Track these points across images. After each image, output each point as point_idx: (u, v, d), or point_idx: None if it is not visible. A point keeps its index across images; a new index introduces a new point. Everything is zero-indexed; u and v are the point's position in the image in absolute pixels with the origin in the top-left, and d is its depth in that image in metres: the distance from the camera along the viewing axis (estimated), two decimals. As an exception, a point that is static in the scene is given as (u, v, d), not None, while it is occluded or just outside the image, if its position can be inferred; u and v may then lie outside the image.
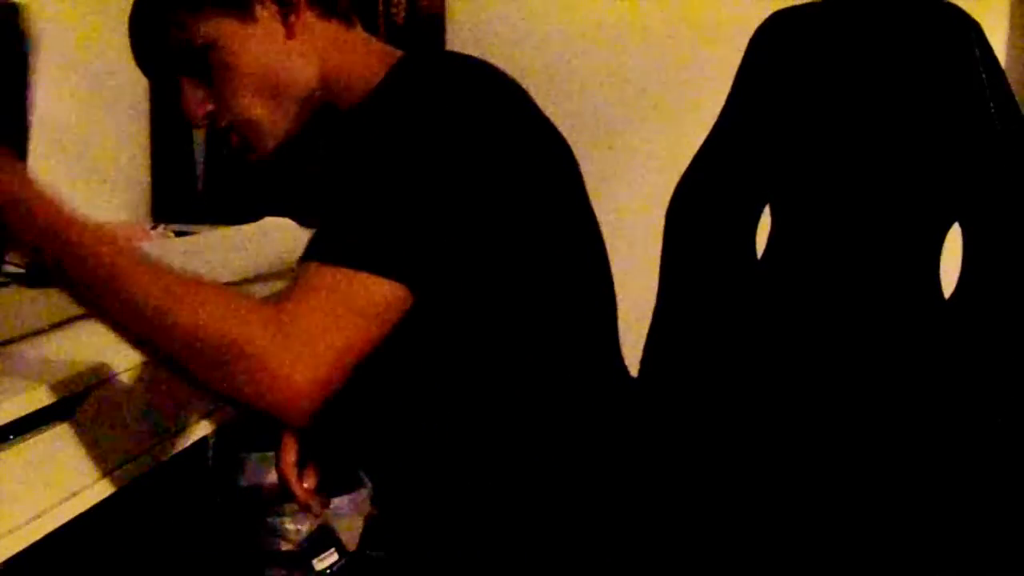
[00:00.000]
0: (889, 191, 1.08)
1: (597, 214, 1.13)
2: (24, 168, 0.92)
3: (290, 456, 1.29)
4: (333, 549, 1.69)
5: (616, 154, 2.25)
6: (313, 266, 0.90)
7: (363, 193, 0.93)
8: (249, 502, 1.67)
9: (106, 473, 1.07)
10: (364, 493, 1.58)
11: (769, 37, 1.16)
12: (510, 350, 1.03)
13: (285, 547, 1.69)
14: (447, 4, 2.28)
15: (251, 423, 1.51)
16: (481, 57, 1.05)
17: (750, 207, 1.17)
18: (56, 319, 1.16)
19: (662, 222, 1.24)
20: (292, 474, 1.29)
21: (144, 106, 1.98)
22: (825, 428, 1.09)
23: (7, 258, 1.03)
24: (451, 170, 0.93)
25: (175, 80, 1.09)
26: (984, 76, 1.01)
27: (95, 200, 1.90)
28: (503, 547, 1.04)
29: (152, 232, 1.74)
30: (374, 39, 1.14)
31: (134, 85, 1.88)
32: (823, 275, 1.11)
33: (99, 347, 1.08)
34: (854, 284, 1.09)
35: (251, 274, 1.47)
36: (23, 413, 0.93)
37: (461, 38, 2.26)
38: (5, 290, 1.29)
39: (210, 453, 1.60)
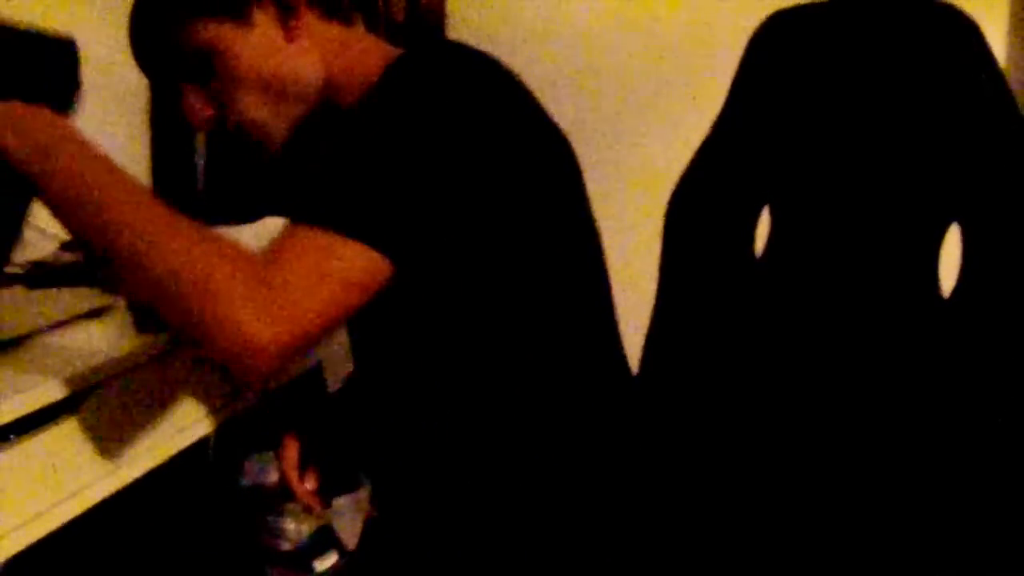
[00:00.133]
0: (888, 191, 1.08)
1: (596, 213, 1.13)
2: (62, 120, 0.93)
3: (292, 456, 1.29)
4: (333, 550, 1.69)
5: (615, 154, 2.25)
6: (300, 227, 0.90)
7: (354, 168, 0.93)
8: (250, 502, 1.67)
9: (106, 473, 1.07)
10: (364, 493, 1.58)
11: (768, 37, 1.16)
12: (504, 344, 1.03)
13: (285, 547, 1.69)
14: (447, 3, 2.28)
15: (252, 423, 1.51)
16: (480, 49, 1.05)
17: (749, 206, 1.17)
18: (56, 319, 1.16)
19: (661, 221, 1.24)
20: (294, 474, 1.29)
21: (144, 106, 1.98)
22: (825, 428, 1.09)
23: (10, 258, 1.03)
24: (443, 157, 0.94)
25: (175, 85, 1.08)
26: (983, 77, 1.01)
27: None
28: (501, 546, 1.04)
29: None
30: (375, 38, 1.13)
31: (134, 85, 1.88)
32: (822, 275, 1.12)
33: (99, 347, 1.08)
34: (854, 284, 1.09)
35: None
36: (23, 413, 0.93)
37: (461, 37, 2.26)
38: (5, 290, 1.29)
39: (210, 453, 1.60)
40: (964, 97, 1.02)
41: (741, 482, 1.13)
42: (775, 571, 1.10)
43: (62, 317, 1.17)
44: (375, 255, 0.90)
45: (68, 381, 0.98)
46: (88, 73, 1.83)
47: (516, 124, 1.01)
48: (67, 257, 1.43)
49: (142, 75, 1.12)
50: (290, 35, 1.05)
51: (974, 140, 1.02)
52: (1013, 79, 2.05)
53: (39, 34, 0.98)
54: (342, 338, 1.22)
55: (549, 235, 1.04)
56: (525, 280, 1.03)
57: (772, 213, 1.16)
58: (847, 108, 1.11)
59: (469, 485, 1.06)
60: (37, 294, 1.30)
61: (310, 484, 1.28)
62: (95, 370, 1.03)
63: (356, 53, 1.09)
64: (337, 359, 1.60)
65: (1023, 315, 1.01)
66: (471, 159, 0.95)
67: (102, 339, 1.13)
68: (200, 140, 2.12)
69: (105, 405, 1.06)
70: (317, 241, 0.89)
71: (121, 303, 1.23)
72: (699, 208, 1.20)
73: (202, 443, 1.25)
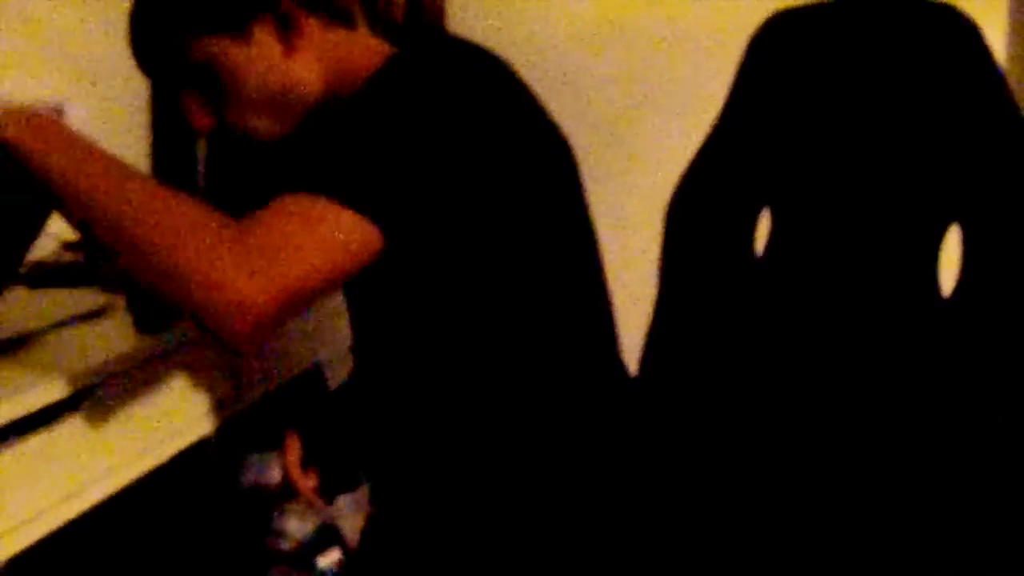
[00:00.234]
0: (888, 191, 1.08)
1: (596, 213, 1.13)
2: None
3: (294, 453, 1.29)
4: (336, 546, 1.69)
5: (615, 153, 2.25)
6: (289, 195, 0.90)
7: (347, 143, 0.94)
8: (251, 502, 1.67)
9: (106, 473, 1.07)
10: (365, 491, 1.58)
11: (767, 38, 1.16)
12: (500, 339, 1.03)
13: (287, 546, 1.69)
14: (447, 3, 2.28)
15: (253, 423, 1.51)
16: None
17: (749, 206, 1.17)
18: (56, 319, 1.16)
19: (661, 221, 1.24)
20: (297, 471, 1.29)
21: (144, 106, 1.98)
22: (825, 428, 1.09)
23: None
24: (436, 138, 0.94)
25: (176, 91, 1.09)
26: (982, 78, 1.01)
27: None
28: (499, 543, 1.04)
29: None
30: (377, 38, 1.13)
31: (134, 85, 1.88)
32: (822, 276, 1.12)
33: (99, 347, 1.08)
34: (854, 284, 1.09)
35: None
36: (23, 413, 0.93)
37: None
38: (5, 290, 1.29)
39: (211, 453, 1.60)
40: (964, 98, 1.02)
41: (741, 481, 1.13)
42: (775, 571, 1.10)
43: (62, 317, 1.17)
44: (364, 222, 0.90)
45: (68, 381, 0.98)
46: (89, 73, 1.83)
47: (508, 114, 1.01)
48: (67, 257, 1.43)
49: (142, 75, 1.13)
50: (289, 48, 1.06)
51: (973, 141, 1.02)
52: (1013, 79, 2.05)
53: None
54: (342, 338, 1.22)
55: (543, 228, 1.04)
56: (520, 273, 1.03)
57: (772, 213, 1.16)
58: (846, 109, 1.11)
59: (466, 483, 1.06)
60: (37, 294, 1.30)
61: (312, 482, 1.28)
62: (95, 370, 1.03)
63: (357, 55, 1.09)
64: (337, 359, 1.60)
65: (1022, 315, 1.01)
66: (463, 143, 0.96)
67: (102, 339, 1.13)
68: (200, 141, 2.12)
69: (105, 405, 1.06)
70: (306, 205, 0.89)
71: (121, 303, 1.23)
72: (699, 208, 1.20)
73: (202, 443, 1.25)
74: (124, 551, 1.47)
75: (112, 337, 1.14)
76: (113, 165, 0.91)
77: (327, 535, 1.69)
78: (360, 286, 1.13)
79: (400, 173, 0.93)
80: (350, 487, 1.35)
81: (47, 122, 0.92)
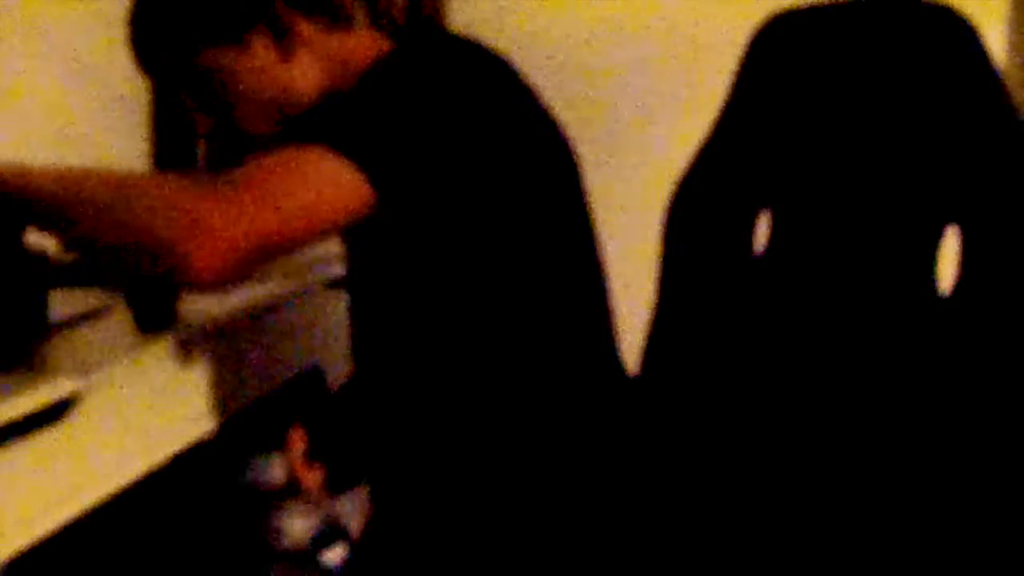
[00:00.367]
0: (886, 192, 1.08)
1: (597, 210, 1.13)
2: None
3: (298, 449, 1.30)
4: (341, 542, 1.69)
5: (614, 153, 2.25)
6: (277, 149, 0.90)
7: (341, 111, 0.94)
8: (253, 501, 1.67)
9: (106, 473, 1.07)
10: (367, 488, 1.58)
11: (766, 38, 1.16)
12: (496, 336, 1.04)
13: (289, 545, 1.69)
14: (446, 3, 2.28)
15: (253, 423, 1.51)
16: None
17: (749, 206, 1.17)
18: (56, 319, 1.16)
19: (660, 220, 1.24)
20: (301, 466, 1.29)
21: (145, 106, 1.98)
22: (824, 428, 1.09)
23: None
24: (433, 122, 0.94)
25: (177, 95, 1.11)
26: (981, 79, 1.01)
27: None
28: (497, 542, 1.04)
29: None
30: (378, 36, 1.14)
31: (135, 85, 1.89)
32: (822, 276, 1.12)
33: (99, 347, 1.09)
34: (852, 284, 1.09)
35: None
36: (24, 413, 0.93)
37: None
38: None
39: (211, 453, 1.60)
40: (962, 100, 1.03)
41: (741, 480, 1.13)
42: (776, 571, 1.10)
43: (62, 317, 1.17)
44: (356, 174, 0.88)
45: (68, 381, 0.98)
46: (89, 72, 1.83)
47: (505, 104, 1.02)
48: (67, 257, 1.43)
49: (143, 76, 1.14)
50: (285, 56, 1.07)
51: (972, 142, 1.02)
52: (1012, 80, 2.05)
53: None
54: (342, 338, 1.22)
55: (541, 222, 1.04)
56: (518, 268, 1.03)
57: (771, 213, 1.16)
58: (845, 109, 1.11)
59: (466, 482, 1.06)
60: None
61: (317, 476, 1.29)
62: (95, 370, 1.03)
63: (357, 55, 1.09)
64: (337, 359, 1.60)
65: (1021, 316, 1.01)
66: (460, 125, 0.96)
67: (102, 339, 1.13)
68: (200, 141, 2.12)
69: (105, 405, 1.06)
70: (297, 152, 0.88)
71: (121, 303, 1.23)
72: (698, 208, 1.20)
73: (202, 443, 1.26)
74: (124, 551, 1.47)
75: (112, 337, 1.14)
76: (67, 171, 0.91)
77: (332, 531, 1.70)
78: (360, 285, 1.13)
79: (397, 138, 0.92)
80: (355, 483, 1.35)
81: None
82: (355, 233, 1.11)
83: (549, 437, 1.05)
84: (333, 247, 1.50)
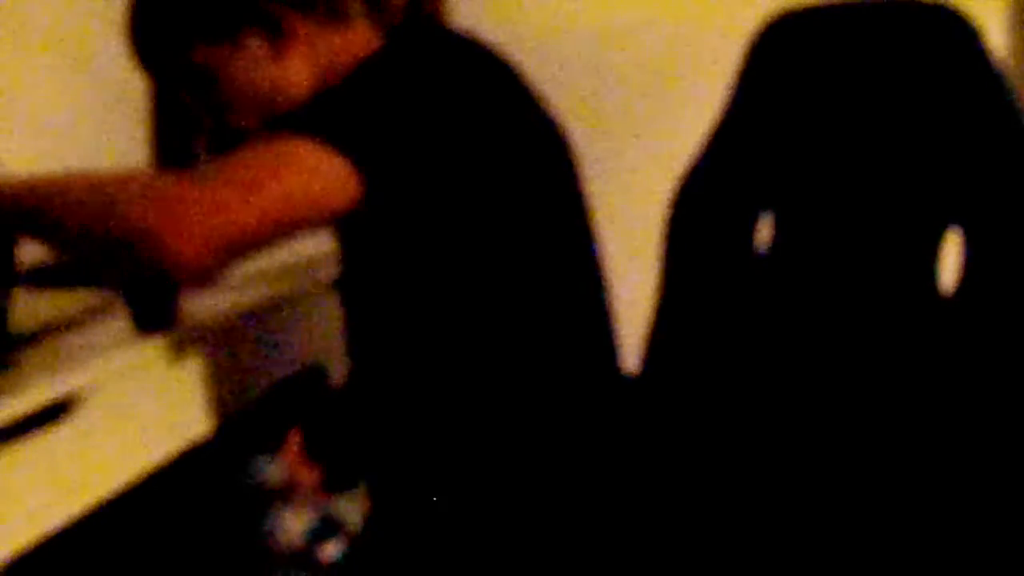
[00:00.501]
0: (888, 192, 1.08)
1: (597, 209, 1.13)
2: None
3: (295, 448, 1.30)
4: (338, 539, 1.69)
5: (614, 153, 2.25)
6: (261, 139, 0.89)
7: (328, 102, 0.93)
8: (252, 502, 1.67)
9: (107, 473, 1.07)
10: (365, 488, 1.58)
11: (768, 38, 1.16)
12: (491, 335, 1.04)
13: (287, 543, 1.68)
14: (446, 3, 2.28)
15: (252, 423, 1.51)
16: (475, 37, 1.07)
17: (750, 207, 1.17)
18: (57, 319, 1.16)
19: (660, 220, 1.24)
20: (298, 464, 1.29)
21: (145, 105, 1.98)
22: (826, 429, 1.09)
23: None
24: (425, 115, 0.94)
25: (176, 93, 1.13)
26: (982, 79, 1.01)
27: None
28: (495, 541, 1.04)
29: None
30: (376, 33, 1.13)
31: (134, 85, 1.89)
32: (823, 277, 1.11)
33: (99, 347, 1.08)
34: (856, 285, 1.09)
35: (252, 269, 1.47)
36: (23, 413, 0.93)
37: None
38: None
39: (211, 453, 1.60)
40: (964, 100, 1.02)
41: (742, 480, 1.13)
42: (776, 571, 1.10)
43: (62, 317, 1.17)
44: (342, 163, 0.87)
45: (68, 381, 0.98)
46: (88, 72, 1.83)
47: (501, 99, 1.02)
48: (63, 259, 1.43)
49: (143, 75, 1.14)
50: (278, 54, 1.08)
51: (974, 143, 1.02)
52: (1013, 80, 2.05)
53: None
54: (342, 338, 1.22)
55: (537, 219, 1.04)
56: (514, 266, 1.03)
57: (773, 214, 1.16)
58: (846, 110, 1.11)
59: (464, 481, 1.06)
60: (37, 294, 1.30)
61: (314, 475, 1.29)
62: (95, 370, 1.03)
63: (352, 51, 1.10)
64: (337, 359, 1.60)
65: (1022, 316, 1.01)
66: (453, 117, 0.96)
67: (102, 339, 1.13)
68: (200, 141, 2.12)
69: (105, 405, 1.06)
70: (276, 142, 0.87)
71: (121, 303, 1.23)
72: (700, 208, 1.20)
73: (202, 443, 1.25)
74: (123, 552, 1.47)
75: (112, 337, 1.14)
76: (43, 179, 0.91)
77: (327, 526, 1.69)
78: (354, 285, 1.13)
79: (384, 126, 0.91)
80: (353, 482, 1.35)
81: None
82: (347, 232, 1.12)
83: (547, 435, 1.05)
84: (333, 247, 1.49)
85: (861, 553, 1.06)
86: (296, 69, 1.08)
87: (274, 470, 1.63)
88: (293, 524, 1.69)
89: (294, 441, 1.30)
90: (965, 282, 1.03)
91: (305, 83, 1.09)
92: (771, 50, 1.16)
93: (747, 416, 1.14)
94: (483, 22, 2.29)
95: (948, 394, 1.04)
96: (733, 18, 2.06)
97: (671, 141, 2.03)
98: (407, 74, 0.96)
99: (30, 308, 1.23)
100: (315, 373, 1.59)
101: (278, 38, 1.07)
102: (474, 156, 0.98)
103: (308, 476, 1.29)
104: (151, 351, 1.13)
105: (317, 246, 1.62)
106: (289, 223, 0.86)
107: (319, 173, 0.87)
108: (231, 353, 1.31)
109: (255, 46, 1.07)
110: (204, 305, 1.28)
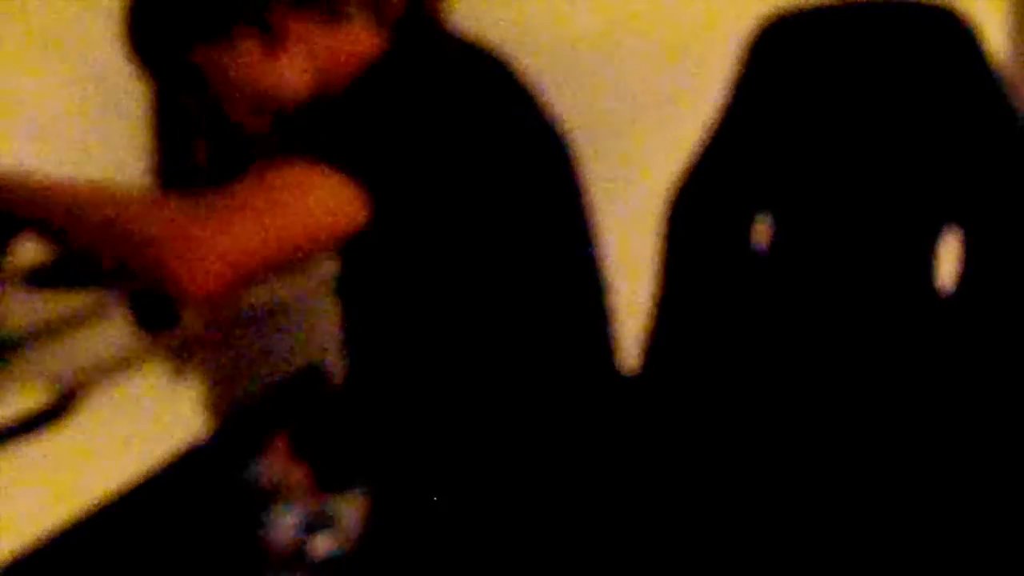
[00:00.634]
0: (887, 192, 1.08)
1: (598, 209, 1.13)
2: None
3: (283, 447, 1.30)
4: (328, 531, 1.68)
5: (613, 153, 2.25)
6: (265, 163, 0.90)
7: (333, 118, 0.94)
8: (252, 502, 1.67)
9: (106, 473, 1.07)
10: (361, 488, 1.58)
11: (766, 39, 1.16)
12: (492, 335, 1.04)
13: (281, 542, 1.68)
14: (446, 3, 2.28)
15: (252, 423, 1.51)
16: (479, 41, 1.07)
17: (748, 207, 1.17)
18: (56, 319, 1.16)
19: (658, 220, 1.24)
20: (285, 462, 1.30)
21: (144, 106, 1.98)
22: (824, 429, 1.09)
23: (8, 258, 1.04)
24: (429, 123, 0.94)
25: (176, 93, 1.13)
26: (981, 80, 1.01)
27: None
28: (495, 541, 1.04)
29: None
30: (376, 32, 1.13)
31: (134, 85, 1.88)
32: (823, 278, 1.12)
33: (99, 347, 1.09)
34: (855, 286, 1.09)
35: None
36: (23, 414, 0.93)
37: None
38: (6, 290, 1.29)
39: (210, 453, 1.60)
40: (962, 101, 1.03)
41: (741, 479, 1.13)
42: (776, 570, 1.10)
43: (62, 317, 1.17)
44: (349, 185, 0.88)
45: (67, 381, 0.98)
46: (88, 72, 1.83)
47: (503, 104, 1.03)
48: (66, 257, 1.43)
49: (140, 76, 1.14)
50: (272, 53, 1.08)
51: (972, 143, 1.02)
52: (1012, 80, 2.05)
53: None
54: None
55: (537, 221, 1.04)
56: (514, 268, 1.03)
57: (772, 215, 1.16)
58: (844, 110, 1.11)
59: (463, 481, 1.06)
60: (37, 294, 1.30)
61: (301, 475, 1.29)
62: (95, 370, 1.03)
63: (351, 51, 1.09)
64: (337, 359, 1.60)
65: (1022, 317, 1.01)
66: (456, 124, 0.96)
67: (102, 339, 1.13)
68: (200, 141, 2.12)
69: (104, 405, 1.06)
70: (284, 166, 0.88)
71: (121, 303, 1.23)
72: (698, 208, 1.20)
73: (202, 443, 1.26)
74: (122, 552, 1.47)
75: (112, 337, 1.14)
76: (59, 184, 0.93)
77: (320, 524, 1.69)
78: (353, 288, 1.13)
79: (390, 144, 0.92)
80: (346, 483, 1.35)
81: None
82: (348, 242, 1.12)
83: (547, 435, 1.05)
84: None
85: (860, 552, 1.06)
86: (293, 68, 1.08)
87: (268, 471, 1.63)
88: (287, 524, 1.69)
89: (281, 442, 1.30)
90: (964, 282, 1.03)
91: (303, 83, 1.09)
92: (769, 50, 1.16)
93: (746, 416, 1.14)
94: (483, 21, 2.29)
95: (947, 394, 1.04)
96: (734, 18, 2.06)
97: (671, 141, 2.02)
98: (410, 85, 0.96)
99: (30, 308, 1.23)
100: (314, 373, 1.59)
101: (273, 37, 1.07)
102: (478, 167, 0.98)
103: (297, 476, 1.29)
104: (151, 351, 1.13)
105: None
106: (295, 250, 0.89)
107: (327, 200, 0.88)
108: (231, 353, 1.31)
109: (249, 45, 1.07)
110: (204, 305, 1.28)
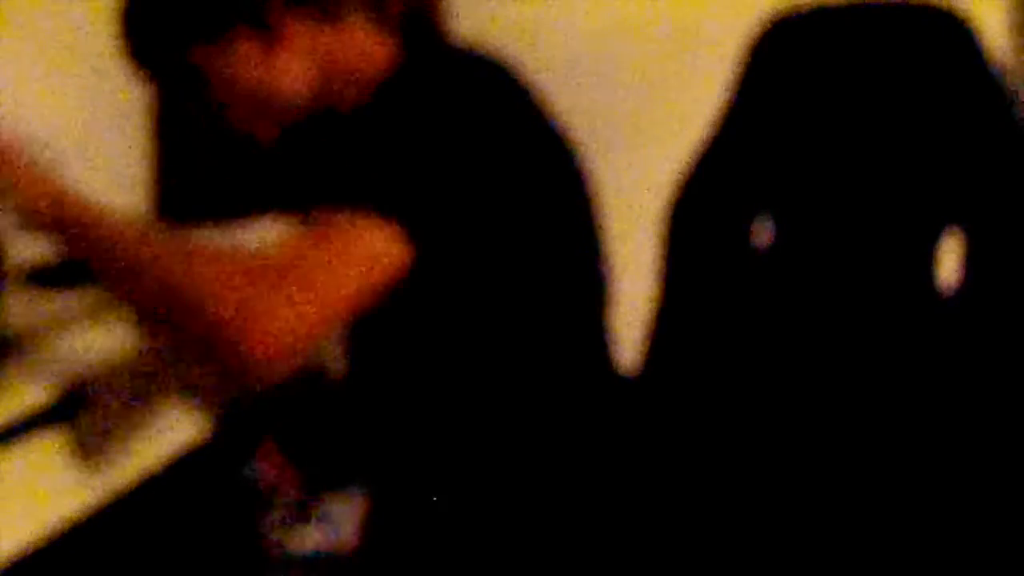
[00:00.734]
0: (886, 192, 1.08)
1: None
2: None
3: (271, 448, 1.30)
4: (317, 527, 1.68)
5: (613, 154, 2.25)
6: (316, 214, 0.90)
7: (369, 158, 0.93)
8: (251, 502, 1.67)
9: (106, 473, 1.07)
10: (358, 490, 1.58)
11: (766, 39, 1.16)
12: (502, 342, 1.04)
13: (279, 543, 1.69)
14: (446, 3, 2.28)
15: (252, 424, 1.52)
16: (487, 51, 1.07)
17: (748, 207, 1.17)
18: (56, 319, 1.16)
19: (658, 220, 1.24)
20: (275, 463, 1.30)
21: (144, 107, 1.98)
22: (823, 428, 1.10)
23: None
24: (454, 152, 0.94)
25: (176, 95, 1.13)
26: (980, 81, 1.01)
27: (95, 200, 1.89)
28: (496, 543, 1.04)
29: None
30: (374, 36, 1.13)
31: (134, 86, 1.89)
32: (823, 279, 1.12)
33: (99, 347, 1.09)
34: (855, 286, 1.09)
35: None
36: (23, 414, 0.93)
37: (456, 33, 2.26)
38: (7, 290, 1.29)
39: (210, 453, 1.61)
40: (962, 102, 1.03)
41: (741, 478, 1.13)
42: (776, 571, 1.10)
43: (63, 317, 1.17)
44: (399, 238, 0.89)
45: (67, 382, 0.98)
46: (88, 72, 1.83)
47: (524, 125, 1.02)
48: (66, 257, 1.43)
49: (140, 79, 1.14)
50: (270, 53, 1.07)
51: (972, 144, 1.02)
52: (1012, 80, 2.05)
53: None
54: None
55: (554, 240, 1.04)
56: (520, 277, 1.03)
57: (772, 215, 1.16)
58: (843, 111, 1.11)
59: (462, 481, 1.06)
60: (39, 294, 1.31)
61: (288, 473, 1.30)
62: (95, 370, 1.03)
63: (353, 55, 1.09)
64: (338, 358, 1.60)
65: (1022, 318, 1.01)
66: (486, 154, 0.96)
67: (102, 339, 1.13)
68: (200, 141, 2.12)
69: (104, 405, 1.06)
70: (338, 223, 0.88)
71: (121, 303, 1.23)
72: (698, 208, 1.20)
73: (201, 443, 1.26)
74: (122, 552, 1.47)
75: (112, 337, 1.14)
76: (127, 221, 0.93)
77: (305, 518, 1.68)
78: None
79: (431, 184, 0.92)
80: (341, 483, 1.35)
81: (57, 192, 0.94)
82: None
83: (546, 436, 1.05)
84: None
85: (859, 552, 1.06)
86: (294, 68, 1.08)
87: (260, 473, 1.63)
88: (285, 525, 1.69)
89: (269, 444, 1.31)
90: (964, 283, 1.03)
91: (306, 83, 1.08)
92: (769, 50, 1.16)
93: (746, 416, 1.14)
94: (483, 21, 2.29)
95: (948, 394, 1.04)
96: (734, 18, 2.06)
97: (670, 141, 2.02)
98: (438, 113, 0.96)
99: (30, 308, 1.23)
100: (315, 373, 1.59)
101: (271, 36, 1.07)
102: (507, 190, 0.98)
103: (287, 477, 1.30)
104: (151, 351, 1.13)
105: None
106: (352, 312, 0.89)
107: (378, 255, 0.89)
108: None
109: (248, 45, 1.07)
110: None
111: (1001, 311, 1.02)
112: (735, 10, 2.09)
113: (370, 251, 0.88)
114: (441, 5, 2.30)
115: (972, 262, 1.02)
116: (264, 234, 1.71)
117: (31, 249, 1.32)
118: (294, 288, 0.85)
